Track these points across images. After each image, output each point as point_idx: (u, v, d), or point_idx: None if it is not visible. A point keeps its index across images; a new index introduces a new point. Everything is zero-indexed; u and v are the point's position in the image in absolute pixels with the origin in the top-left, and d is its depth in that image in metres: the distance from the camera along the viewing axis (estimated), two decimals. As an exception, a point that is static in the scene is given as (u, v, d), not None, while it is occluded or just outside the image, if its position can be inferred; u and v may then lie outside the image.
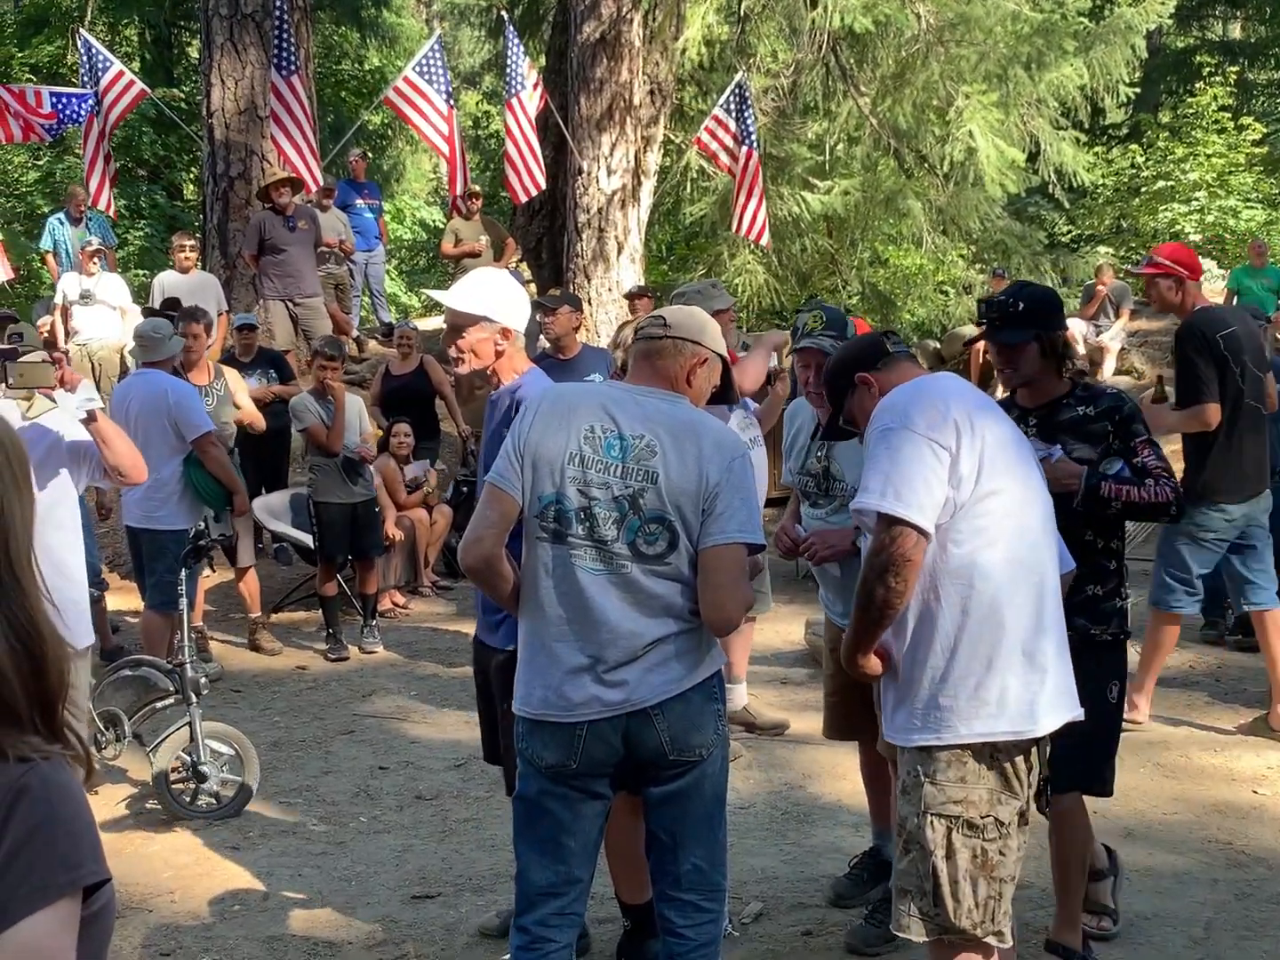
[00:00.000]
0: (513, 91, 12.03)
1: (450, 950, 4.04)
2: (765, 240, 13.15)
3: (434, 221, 25.23)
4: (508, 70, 12.20)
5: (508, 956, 3.18)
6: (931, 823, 2.80)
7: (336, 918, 4.29)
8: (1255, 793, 5.17)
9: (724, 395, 3.26)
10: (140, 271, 18.48)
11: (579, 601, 2.90)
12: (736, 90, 12.61)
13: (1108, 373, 14.05)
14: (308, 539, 8.31)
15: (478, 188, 14.17)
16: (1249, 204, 18.50)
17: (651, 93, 13.62)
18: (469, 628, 7.75)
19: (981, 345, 14.51)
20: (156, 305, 9.64)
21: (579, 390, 3.12)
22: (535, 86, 12.63)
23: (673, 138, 14.66)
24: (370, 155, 22.81)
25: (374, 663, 7.50)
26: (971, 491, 2.75)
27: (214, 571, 7.23)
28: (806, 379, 4.15)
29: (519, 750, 3.04)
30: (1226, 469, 5.64)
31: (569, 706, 2.91)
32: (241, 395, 7.89)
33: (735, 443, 3.00)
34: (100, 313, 10.63)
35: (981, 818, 2.79)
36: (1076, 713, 2.93)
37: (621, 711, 2.90)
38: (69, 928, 1.29)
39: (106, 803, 5.40)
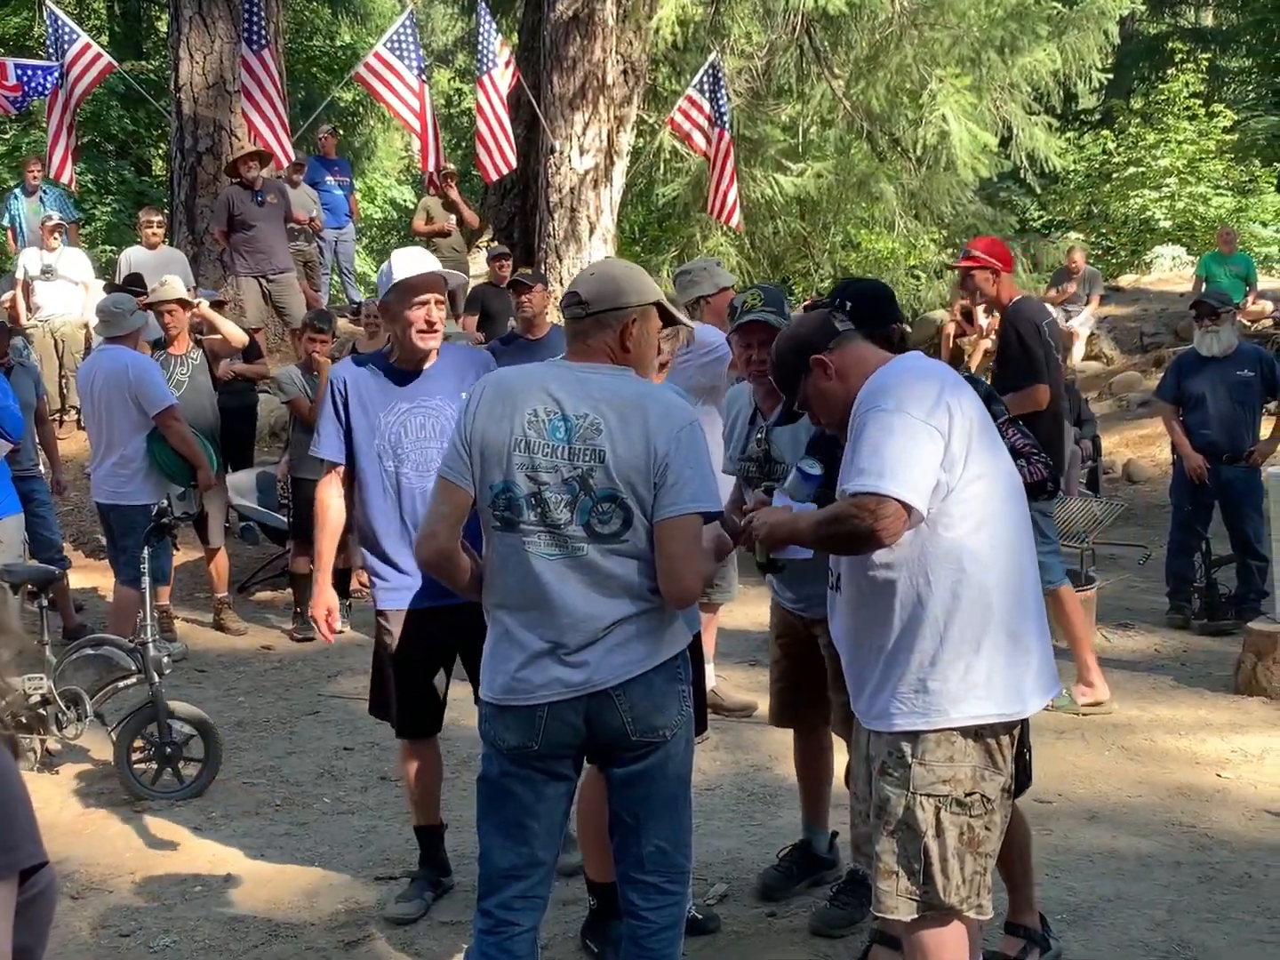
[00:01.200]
0: (484, 69, 11.94)
1: (413, 931, 4.00)
2: (736, 222, 13.12)
3: (405, 200, 25.08)
4: (479, 47, 12.10)
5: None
6: (921, 803, 2.81)
7: (299, 899, 4.26)
8: (1219, 776, 5.20)
9: (669, 322, 3.15)
10: (108, 247, 18.29)
11: (536, 589, 2.87)
12: (710, 71, 12.55)
13: (1077, 358, 14.11)
14: (274, 518, 8.25)
15: (453, 166, 14.08)
16: (1219, 191, 18.60)
17: (625, 72, 13.53)
18: (436, 608, 7.77)
19: (952, 329, 14.59)
20: (121, 281, 9.52)
21: (520, 374, 3.02)
22: (507, 64, 12.54)
23: (646, 118, 14.59)
24: (341, 132, 22.62)
25: (340, 642, 7.39)
26: (961, 474, 2.75)
27: (178, 550, 7.15)
28: (748, 357, 4.05)
29: (481, 733, 3.01)
30: (1054, 445, 5.90)
31: (530, 689, 2.89)
32: (219, 324, 7.80)
33: (683, 411, 2.93)
34: (62, 288, 10.51)
35: (967, 795, 2.80)
36: (1056, 690, 2.98)
37: (583, 692, 2.87)
38: (5, 912, 1.25)
39: (67, 783, 5.35)
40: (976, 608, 2.78)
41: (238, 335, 7.91)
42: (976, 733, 2.81)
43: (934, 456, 2.72)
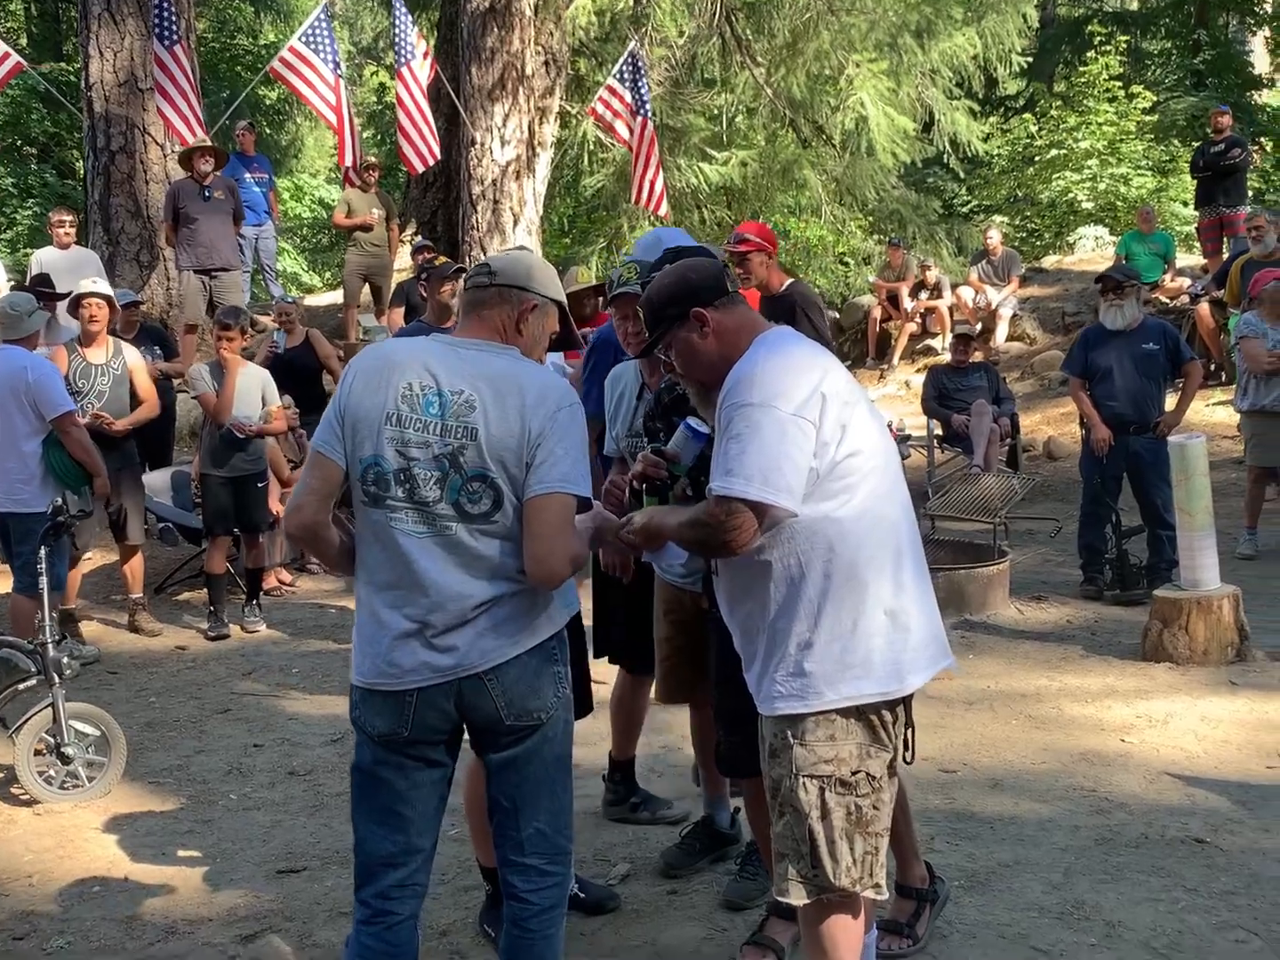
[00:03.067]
0: (402, 61, 11.88)
1: (311, 924, 3.97)
2: (664, 210, 13.14)
3: (333, 199, 24.87)
4: (396, 40, 12.05)
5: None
6: (804, 784, 2.77)
7: (198, 895, 4.21)
8: (1123, 740, 5.26)
9: (565, 340, 3.15)
10: (29, 250, 18.01)
11: (402, 566, 2.82)
12: (630, 60, 12.56)
13: (1000, 339, 14.24)
14: (189, 518, 8.17)
15: (374, 159, 13.98)
16: (1139, 171, 18.79)
17: (546, 64, 13.50)
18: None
19: (878, 314, 14.66)
20: (29, 281, 9.37)
21: (399, 347, 2.98)
22: (425, 55, 12.48)
23: (570, 109, 14.55)
24: (268, 130, 22.42)
25: (256, 641, 7.37)
26: (832, 456, 2.71)
27: (78, 551, 7.03)
28: (625, 330, 4.04)
29: (352, 720, 2.96)
30: None
31: (399, 674, 2.83)
32: (140, 375, 7.64)
33: (562, 393, 2.88)
34: (-29, 292, 10.32)
35: (853, 774, 2.77)
36: (946, 661, 2.91)
37: (453, 677, 2.82)
38: None
39: (-32, 788, 5.27)
40: (849, 586, 2.74)
41: (148, 410, 7.65)
42: (858, 711, 2.78)
43: (804, 450, 2.68)
